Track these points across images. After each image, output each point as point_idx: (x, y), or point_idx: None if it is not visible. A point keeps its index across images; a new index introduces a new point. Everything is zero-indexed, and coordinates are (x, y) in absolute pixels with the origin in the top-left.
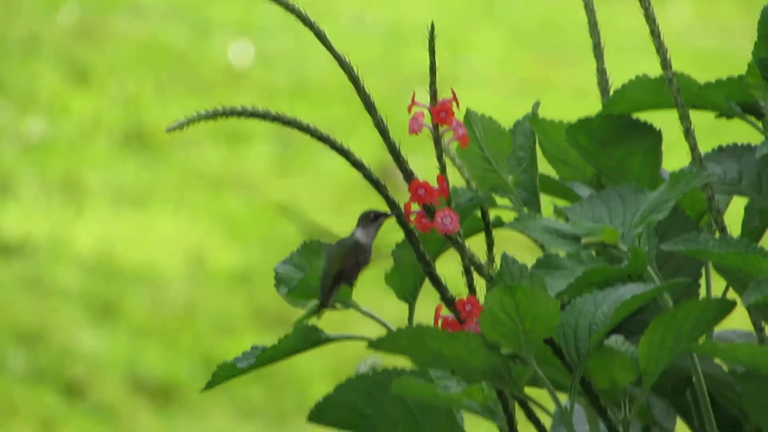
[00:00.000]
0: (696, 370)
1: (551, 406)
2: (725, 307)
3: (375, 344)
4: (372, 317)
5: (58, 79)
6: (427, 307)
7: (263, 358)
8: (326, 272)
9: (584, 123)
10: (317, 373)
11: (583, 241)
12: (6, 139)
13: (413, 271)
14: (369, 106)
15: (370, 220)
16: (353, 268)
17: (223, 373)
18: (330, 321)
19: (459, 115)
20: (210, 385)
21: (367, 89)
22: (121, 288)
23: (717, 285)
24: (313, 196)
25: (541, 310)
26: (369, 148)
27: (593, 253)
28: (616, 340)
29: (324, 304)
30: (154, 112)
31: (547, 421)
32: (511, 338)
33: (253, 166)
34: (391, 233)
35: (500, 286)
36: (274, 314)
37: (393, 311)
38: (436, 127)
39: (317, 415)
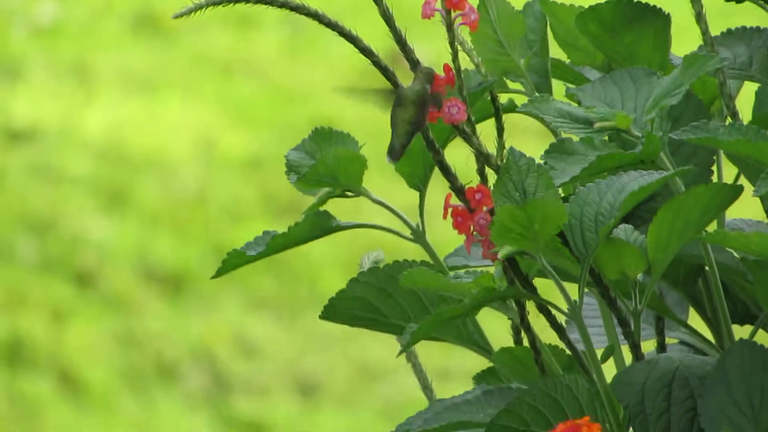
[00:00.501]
0: (708, 258)
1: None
2: (734, 191)
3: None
4: (383, 205)
5: None
6: (439, 195)
7: (274, 245)
8: (401, 117)
9: (593, 10)
10: (329, 263)
11: (596, 125)
12: (16, 22)
13: (423, 159)
14: None
15: (429, 81)
16: (424, 117)
17: (233, 261)
18: (341, 209)
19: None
20: (220, 273)
21: None
22: (131, 174)
23: (729, 173)
24: (323, 81)
25: (550, 213)
26: (377, 34)
27: (606, 137)
28: (625, 230)
29: (399, 154)
30: None
31: (560, 317)
32: (521, 241)
33: (263, 50)
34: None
35: (508, 203)
36: (285, 201)
37: (403, 199)
38: (448, 12)
39: (330, 312)
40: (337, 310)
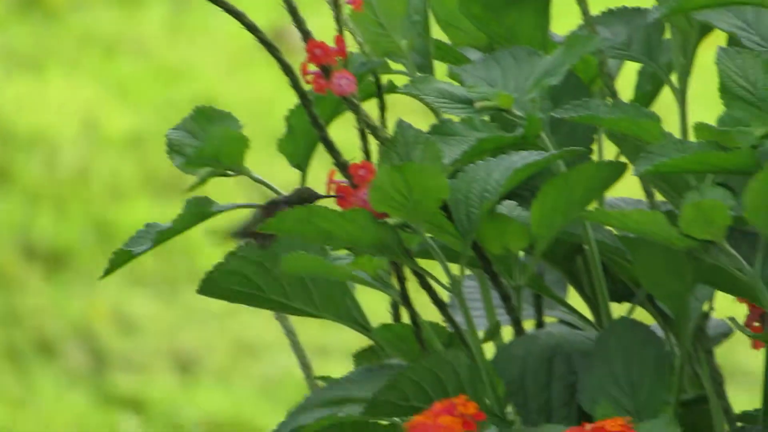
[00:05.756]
0: (588, 237)
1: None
2: (617, 169)
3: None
4: (264, 184)
5: None
6: (322, 173)
7: (158, 239)
8: (246, 224)
9: None
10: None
11: (477, 105)
12: None
13: (305, 138)
14: None
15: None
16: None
17: (120, 260)
18: (221, 187)
19: None
20: (108, 273)
21: None
22: (14, 152)
23: (610, 151)
24: (207, 58)
25: (430, 184)
26: (262, 10)
27: (487, 118)
28: (508, 206)
29: (232, 236)
30: None
31: (442, 293)
32: (400, 210)
33: (146, 28)
34: None
35: (389, 165)
36: (167, 178)
37: (285, 177)
38: None
39: (207, 286)
40: (214, 285)
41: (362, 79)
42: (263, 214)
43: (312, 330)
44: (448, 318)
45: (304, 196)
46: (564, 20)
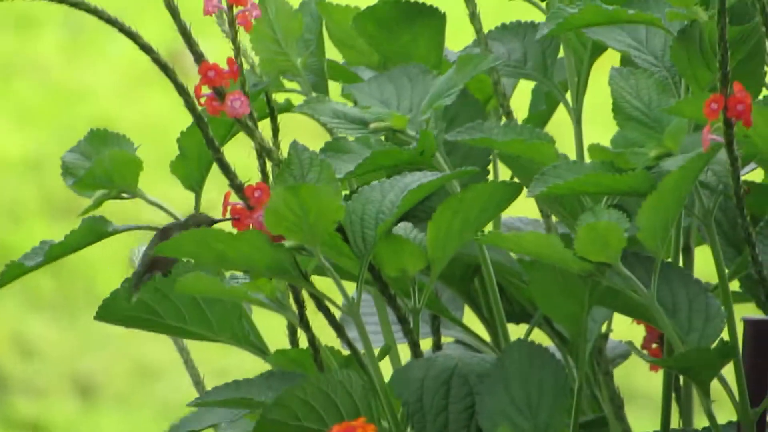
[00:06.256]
0: (484, 258)
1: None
2: (513, 189)
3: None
4: (159, 207)
5: None
6: (220, 193)
7: (51, 254)
8: (143, 257)
9: (371, 11)
10: (107, 261)
11: (372, 126)
12: None
13: (198, 160)
14: None
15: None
16: (170, 261)
17: (12, 272)
18: (117, 210)
19: None
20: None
21: None
22: None
23: (506, 172)
24: (104, 81)
25: (325, 206)
26: (157, 34)
27: (383, 138)
28: (404, 228)
29: (134, 288)
30: None
31: (338, 314)
32: (296, 232)
33: (43, 51)
34: None
35: (284, 186)
36: (64, 202)
37: (182, 199)
38: (230, 8)
39: (105, 312)
40: (111, 311)
41: (256, 99)
42: (158, 240)
43: (212, 353)
44: (346, 340)
45: (199, 222)
46: (461, 36)
